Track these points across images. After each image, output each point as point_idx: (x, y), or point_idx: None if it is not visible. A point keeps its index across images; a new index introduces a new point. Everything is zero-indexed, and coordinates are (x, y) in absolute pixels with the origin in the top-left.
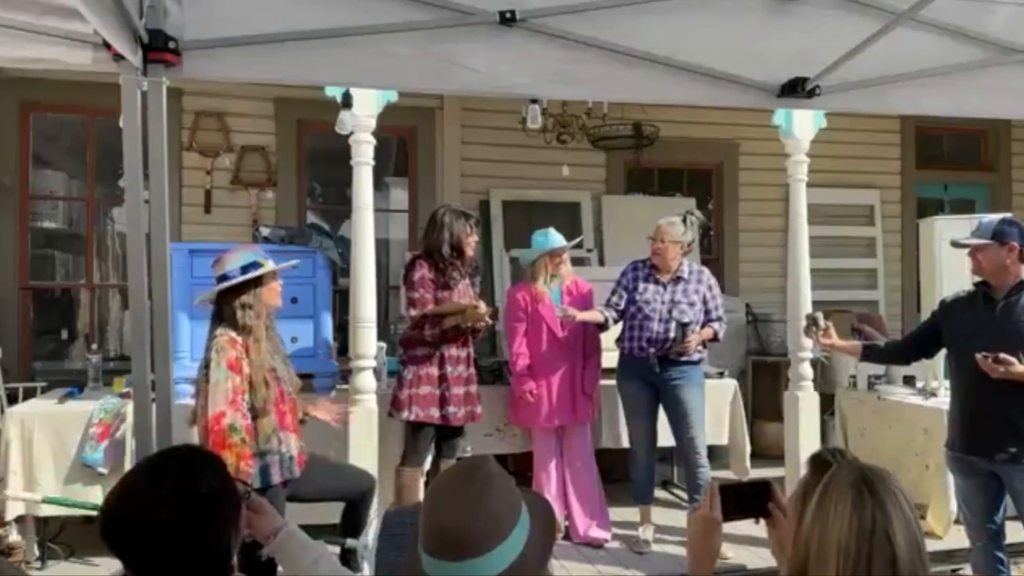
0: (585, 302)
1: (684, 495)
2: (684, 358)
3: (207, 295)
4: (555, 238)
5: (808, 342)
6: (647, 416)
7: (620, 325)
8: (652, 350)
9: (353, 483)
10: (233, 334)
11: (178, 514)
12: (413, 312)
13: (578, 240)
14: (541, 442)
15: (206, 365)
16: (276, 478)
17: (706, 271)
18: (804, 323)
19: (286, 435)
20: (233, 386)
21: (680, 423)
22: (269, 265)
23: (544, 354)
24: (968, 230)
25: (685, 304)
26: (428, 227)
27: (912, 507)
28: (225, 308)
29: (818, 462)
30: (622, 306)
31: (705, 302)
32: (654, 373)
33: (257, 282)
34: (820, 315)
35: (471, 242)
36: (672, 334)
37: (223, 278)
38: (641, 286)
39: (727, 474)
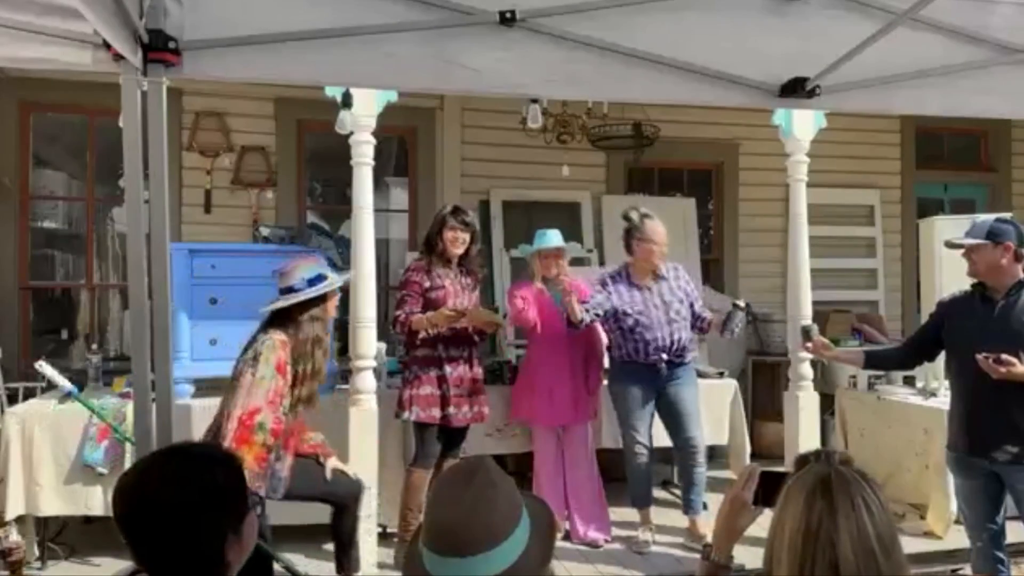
0: (583, 300)
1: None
2: (683, 359)
3: (277, 305)
4: (549, 238)
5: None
6: (646, 421)
7: (612, 335)
8: (663, 355)
9: (341, 487)
10: (285, 337)
11: (179, 497)
12: (396, 312)
13: (572, 247)
14: (542, 442)
15: (253, 358)
16: (262, 492)
17: (680, 266)
18: (800, 336)
19: (284, 455)
20: (276, 387)
21: (678, 422)
22: (333, 278)
23: (545, 353)
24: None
25: (677, 302)
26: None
27: (879, 516)
28: (291, 318)
29: (801, 462)
30: (606, 306)
31: (688, 295)
32: (659, 378)
33: (323, 295)
34: (813, 327)
35: (450, 237)
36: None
37: (289, 290)
38: (627, 296)
39: (728, 474)
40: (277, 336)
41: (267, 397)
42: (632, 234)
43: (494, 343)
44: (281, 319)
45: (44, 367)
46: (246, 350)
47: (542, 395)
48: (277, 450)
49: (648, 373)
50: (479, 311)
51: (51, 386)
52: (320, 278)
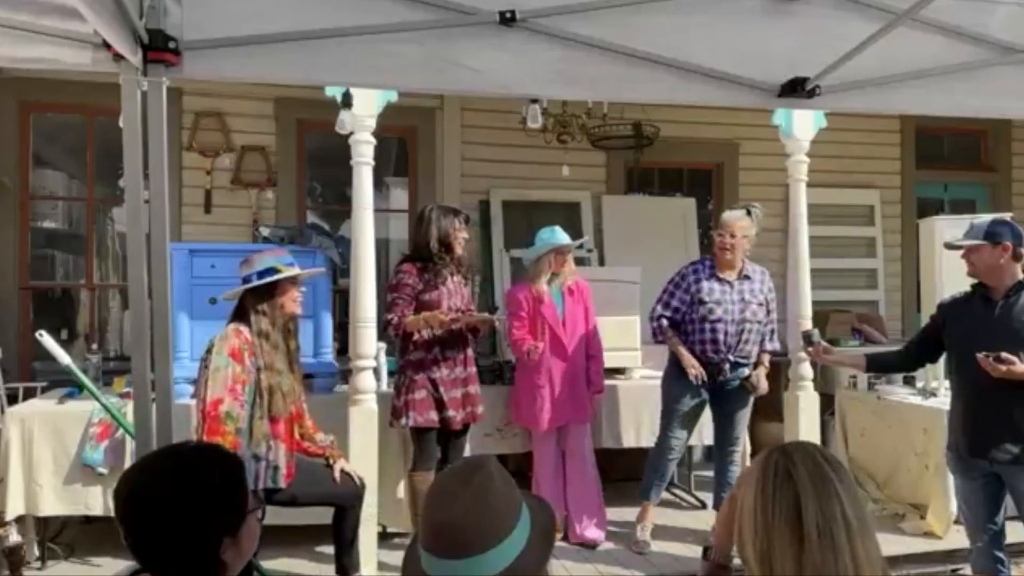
0: (586, 302)
1: (684, 495)
2: (747, 360)
3: (231, 293)
4: (561, 235)
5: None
6: (692, 421)
7: (682, 328)
8: (729, 356)
9: (345, 489)
10: (242, 327)
11: (175, 496)
12: (388, 316)
13: (582, 241)
14: (541, 442)
15: (208, 351)
16: (259, 484)
17: (767, 272)
18: (801, 341)
19: (276, 444)
20: (233, 373)
21: (727, 423)
22: (286, 272)
23: (546, 354)
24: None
25: (755, 305)
26: (416, 225)
27: (841, 474)
28: (245, 309)
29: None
30: (682, 309)
31: (767, 302)
32: (720, 377)
33: (273, 289)
34: (814, 332)
35: (459, 238)
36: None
37: (247, 280)
38: (706, 286)
39: None
40: (230, 327)
41: (226, 385)
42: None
43: (494, 343)
44: (240, 311)
45: (44, 338)
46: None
47: (542, 397)
48: (267, 440)
49: (711, 372)
50: (472, 316)
51: (51, 386)
52: (271, 271)
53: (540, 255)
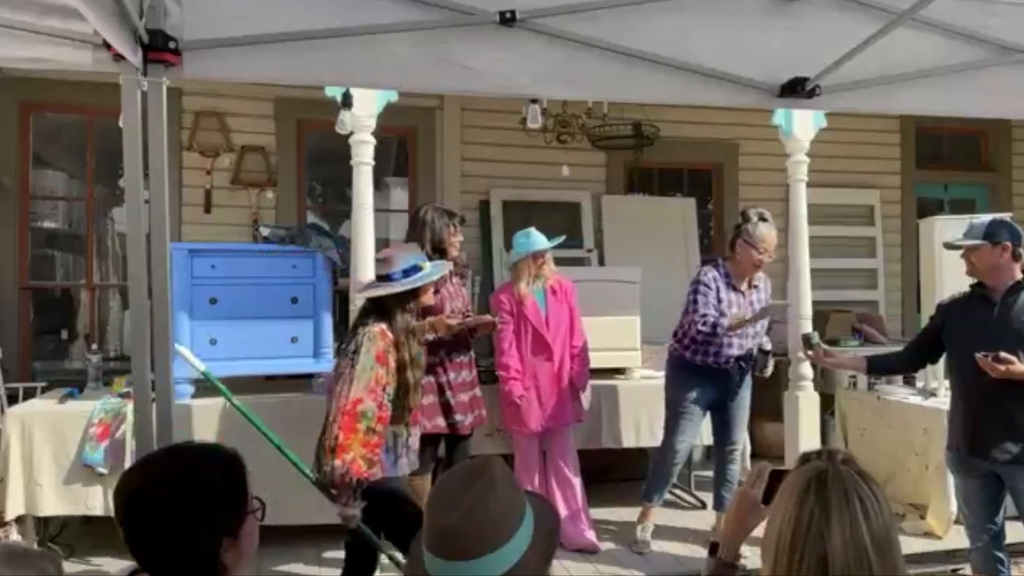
0: (570, 301)
1: (684, 495)
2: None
3: (372, 293)
4: (536, 239)
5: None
6: (697, 427)
7: (680, 330)
8: (742, 364)
9: (376, 532)
10: (384, 326)
11: (173, 497)
12: None
13: (560, 240)
14: (524, 445)
15: (354, 351)
16: (405, 469)
17: (768, 279)
18: (801, 344)
19: (413, 430)
20: (377, 376)
21: (729, 425)
22: (427, 268)
23: (530, 356)
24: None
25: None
26: (410, 226)
27: (875, 515)
28: (388, 307)
29: (803, 461)
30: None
31: None
32: (727, 382)
33: (418, 287)
34: (814, 335)
35: (455, 242)
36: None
37: (387, 278)
38: (725, 297)
39: None
40: (376, 327)
41: (368, 386)
42: (740, 233)
43: (492, 343)
44: (378, 308)
45: (181, 349)
46: (348, 342)
47: (528, 399)
48: (409, 428)
49: (718, 378)
50: (475, 318)
51: (51, 386)
52: (415, 269)
53: (517, 261)
